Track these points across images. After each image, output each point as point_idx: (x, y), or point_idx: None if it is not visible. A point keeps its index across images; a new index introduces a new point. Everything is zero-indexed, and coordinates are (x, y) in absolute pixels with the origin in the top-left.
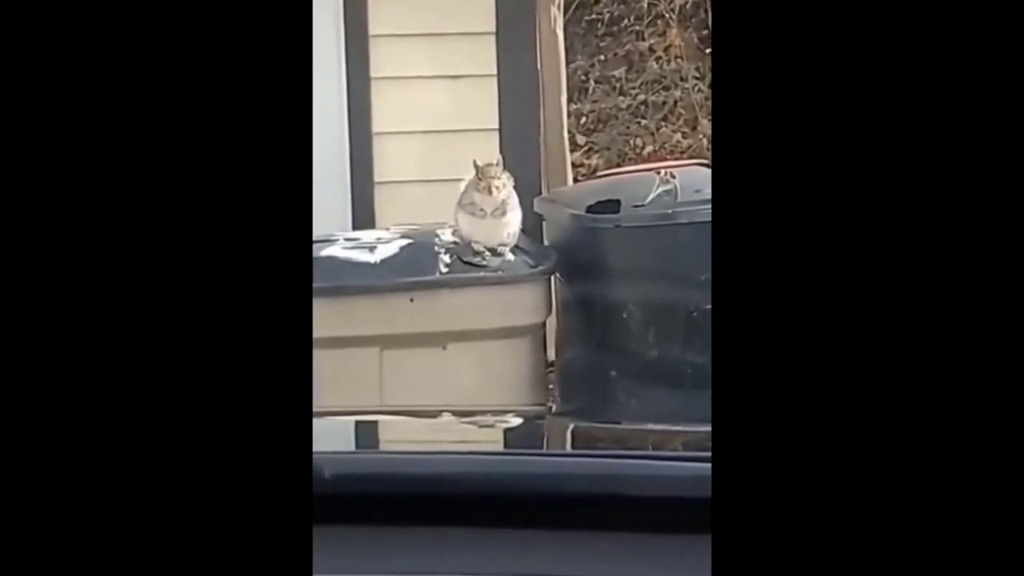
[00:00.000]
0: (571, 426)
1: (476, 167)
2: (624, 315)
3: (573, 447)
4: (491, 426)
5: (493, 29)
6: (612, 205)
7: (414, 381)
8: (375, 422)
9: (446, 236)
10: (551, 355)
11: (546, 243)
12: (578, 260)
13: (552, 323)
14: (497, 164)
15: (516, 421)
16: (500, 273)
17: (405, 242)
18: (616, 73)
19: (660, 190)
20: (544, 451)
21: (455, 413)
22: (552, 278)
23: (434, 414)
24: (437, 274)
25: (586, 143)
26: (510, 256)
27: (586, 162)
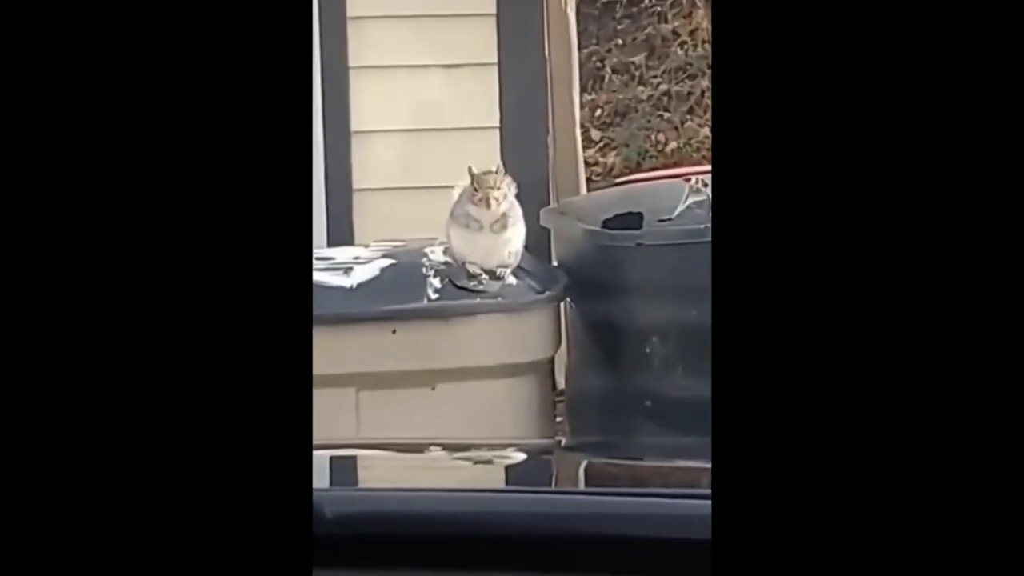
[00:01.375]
0: (584, 462)
1: (472, 175)
2: (647, 348)
3: (586, 485)
4: (490, 462)
5: (494, 10)
6: (633, 219)
7: (396, 427)
8: (355, 458)
9: (436, 255)
10: (560, 382)
11: (555, 263)
12: (593, 284)
13: (561, 353)
14: (497, 171)
15: (522, 456)
16: (500, 300)
17: (387, 262)
18: (635, 60)
19: (690, 201)
20: (554, 488)
21: (459, 448)
22: (562, 305)
23: (425, 448)
24: (425, 301)
25: (601, 139)
26: (511, 279)
27: (601, 160)
